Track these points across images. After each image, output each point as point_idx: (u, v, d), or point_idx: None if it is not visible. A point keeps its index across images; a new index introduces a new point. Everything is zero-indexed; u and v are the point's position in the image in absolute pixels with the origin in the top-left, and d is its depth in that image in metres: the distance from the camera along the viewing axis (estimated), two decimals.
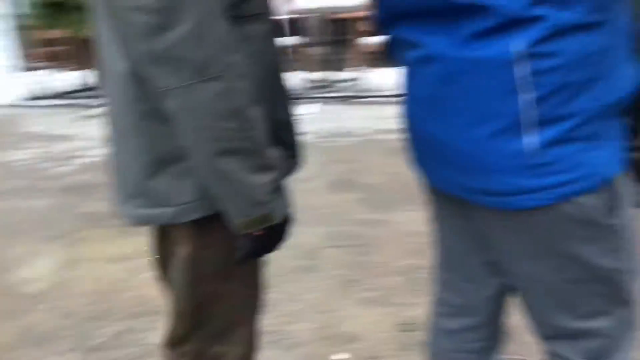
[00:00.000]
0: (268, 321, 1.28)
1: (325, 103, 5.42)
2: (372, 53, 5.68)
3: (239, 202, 0.93)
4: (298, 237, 1.23)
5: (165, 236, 1.11)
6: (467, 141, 0.95)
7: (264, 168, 0.92)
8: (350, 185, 3.53)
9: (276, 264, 1.32)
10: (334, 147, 4.28)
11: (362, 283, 2.42)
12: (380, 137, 4.46)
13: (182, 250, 1.04)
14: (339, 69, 5.83)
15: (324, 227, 2.92)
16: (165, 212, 0.99)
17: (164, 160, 0.97)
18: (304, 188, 3.11)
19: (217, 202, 0.95)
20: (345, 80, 5.86)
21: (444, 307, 1.26)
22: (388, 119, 4.52)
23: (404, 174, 3.11)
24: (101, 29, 0.98)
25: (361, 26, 5.56)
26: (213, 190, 0.93)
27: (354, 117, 5.00)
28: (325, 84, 5.77)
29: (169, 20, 0.83)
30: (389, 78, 5.16)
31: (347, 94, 5.61)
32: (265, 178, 0.92)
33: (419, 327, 1.75)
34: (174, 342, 1.13)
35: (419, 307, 1.90)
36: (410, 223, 2.84)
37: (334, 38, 5.81)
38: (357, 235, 2.85)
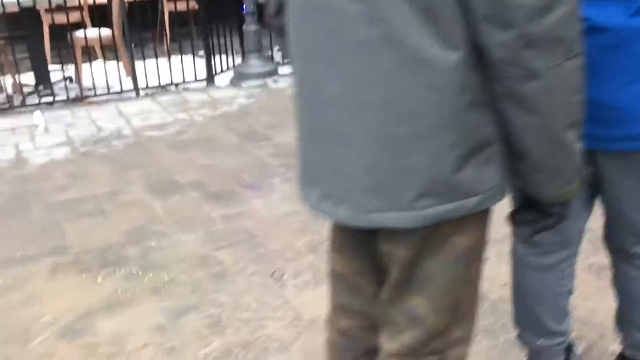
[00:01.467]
0: None
1: (45, 110, 4.82)
2: (85, 47, 5.22)
3: (568, 171, 1.03)
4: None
5: (389, 238, 1.11)
6: (622, 98, 1.26)
7: (581, 137, 1.03)
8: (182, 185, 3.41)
9: None
10: (117, 152, 3.95)
11: None
12: (153, 134, 4.29)
13: (462, 241, 1.09)
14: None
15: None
16: (464, 204, 1.01)
17: (473, 150, 0.99)
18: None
19: (527, 179, 1.04)
20: (59, 81, 5.24)
21: (536, 248, 1.56)
22: (135, 116, 4.41)
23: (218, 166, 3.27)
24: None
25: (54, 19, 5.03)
26: (551, 163, 1.01)
27: (100, 119, 4.62)
28: (35, 88, 5.07)
29: (553, 1, 0.88)
30: (103, 74, 4.95)
31: (68, 96, 5.04)
32: (581, 146, 1.04)
33: None
34: (422, 344, 1.17)
35: None
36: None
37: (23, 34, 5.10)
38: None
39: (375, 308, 1.26)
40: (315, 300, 2.33)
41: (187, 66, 5.38)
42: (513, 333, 1.79)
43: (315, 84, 1.08)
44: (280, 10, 1.21)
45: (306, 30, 1.06)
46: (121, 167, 3.73)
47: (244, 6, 5.48)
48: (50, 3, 4.85)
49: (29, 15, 4.97)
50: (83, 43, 5.16)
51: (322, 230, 2.83)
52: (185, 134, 4.31)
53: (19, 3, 4.74)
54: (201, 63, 5.51)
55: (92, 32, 5.07)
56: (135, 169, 3.68)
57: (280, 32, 1.26)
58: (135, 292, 2.43)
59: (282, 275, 2.52)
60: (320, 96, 1.06)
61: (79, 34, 5.19)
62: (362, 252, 1.22)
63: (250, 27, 5.48)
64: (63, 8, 4.98)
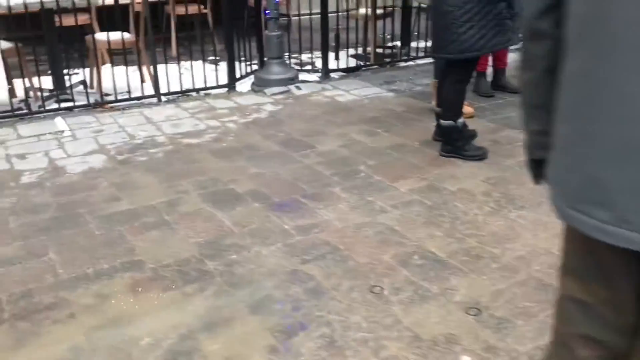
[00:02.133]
0: None
1: (64, 116, 4.61)
2: (109, 51, 5.01)
3: None
4: None
5: None
6: None
7: None
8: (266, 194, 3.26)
9: None
10: (158, 160, 3.78)
11: None
12: (190, 141, 4.14)
13: None
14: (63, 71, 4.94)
15: None
16: None
17: None
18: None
19: None
20: (77, 85, 5.03)
21: None
22: (164, 123, 4.26)
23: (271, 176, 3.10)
24: None
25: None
26: None
27: (128, 126, 4.43)
28: (54, 92, 4.85)
29: None
30: (124, 78, 4.78)
31: (90, 100, 4.84)
32: None
33: None
34: None
35: None
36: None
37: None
38: None
39: (624, 340, 1.19)
40: (426, 318, 2.25)
41: (208, 72, 5.22)
42: None
43: None
44: (547, 11, 1.12)
45: None
46: (167, 176, 3.57)
47: (267, 11, 5.36)
48: (58, 4, 4.61)
49: (46, 17, 4.75)
50: (105, 46, 4.94)
51: (406, 243, 2.76)
52: (223, 141, 4.16)
53: (37, 4, 4.50)
54: (221, 69, 5.37)
55: (114, 35, 4.85)
56: (184, 178, 3.53)
57: (533, 36, 1.17)
58: (234, 310, 2.30)
59: (383, 290, 2.41)
60: None
61: (101, 36, 4.98)
62: (632, 280, 1.14)
63: (272, 32, 5.37)
64: (71, 10, 4.76)
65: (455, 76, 3.70)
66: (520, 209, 3.10)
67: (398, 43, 6.54)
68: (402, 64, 6.21)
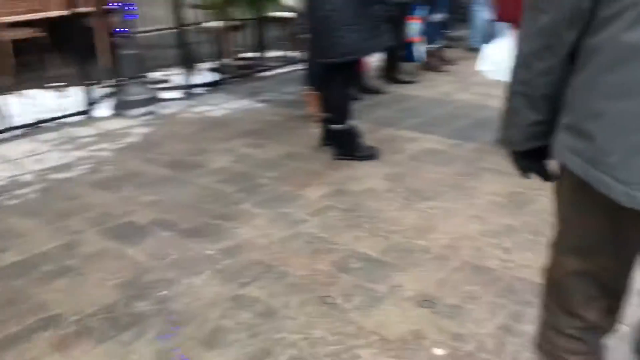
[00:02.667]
0: None
1: None
2: None
3: None
4: None
5: None
6: None
7: None
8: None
9: None
10: (32, 201, 3.35)
11: None
12: (61, 176, 3.74)
13: None
14: None
15: None
16: None
17: None
18: None
19: None
20: None
21: None
22: (25, 159, 3.85)
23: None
24: None
25: None
26: None
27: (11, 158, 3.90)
28: None
29: None
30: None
31: None
32: None
33: None
34: None
35: None
36: None
37: None
38: None
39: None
40: (386, 319, 2.24)
41: (59, 99, 4.77)
42: None
43: None
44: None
45: None
46: (50, 217, 3.17)
47: (122, 29, 5.01)
48: None
49: None
50: None
51: (338, 249, 2.73)
52: (100, 172, 3.80)
53: None
54: (73, 94, 4.93)
55: None
56: (71, 217, 3.16)
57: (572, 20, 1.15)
58: (187, 349, 2.09)
59: (335, 299, 2.36)
60: None
61: None
62: None
63: (127, 50, 5.04)
64: None
65: (339, 80, 3.75)
66: (427, 199, 3.22)
67: (253, 54, 6.50)
68: (262, 74, 6.18)
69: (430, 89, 5.56)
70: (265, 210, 3.17)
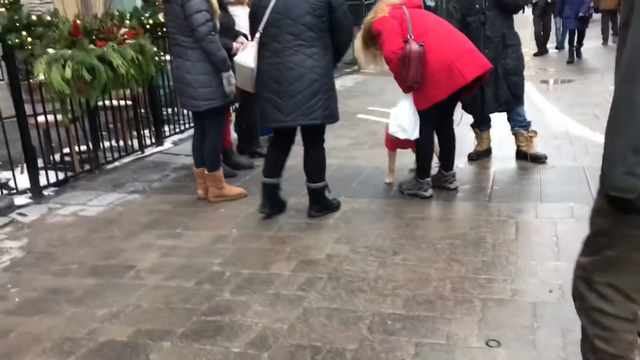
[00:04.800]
0: None
1: None
2: None
3: None
4: None
5: None
6: None
7: None
8: None
9: None
10: None
11: None
12: None
13: None
14: None
15: None
16: None
17: None
18: None
19: None
20: None
21: None
22: None
23: None
24: None
25: None
26: None
27: None
28: None
29: None
30: None
31: None
32: None
33: None
34: None
35: None
36: None
37: None
38: None
39: None
40: None
41: None
42: None
43: None
44: None
45: None
46: None
47: None
48: None
49: None
50: None
51: (364, 315, 2.74)
52: (8, 299, 3.12)
53: None
54: None
55: None
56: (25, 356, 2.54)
57: None
58: None
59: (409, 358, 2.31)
60: None
61: None
62: None
63: None
64: None
65: (319, 141, 3.93)
66: (395, 254, 3.33)
67: (90, 146, 5.93)
68: (109, 166, 5.68)
69: (292, 158, 5.71)
70: (252, 295, 2.95)
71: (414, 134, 4.07)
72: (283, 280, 3.11)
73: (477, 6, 4.67)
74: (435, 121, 4.15)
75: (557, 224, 3.57)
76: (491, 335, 2.45)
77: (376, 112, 7.53)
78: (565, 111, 6.77)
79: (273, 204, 4.03)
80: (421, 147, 4.18)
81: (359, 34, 4.32)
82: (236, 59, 3.98)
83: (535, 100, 7.34)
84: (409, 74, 3.86)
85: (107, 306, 2.95)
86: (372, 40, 4.18)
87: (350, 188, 4.56)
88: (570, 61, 10.96)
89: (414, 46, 3.83)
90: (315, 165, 3.98)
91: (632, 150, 1.35)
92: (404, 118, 4.06)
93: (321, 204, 4.01)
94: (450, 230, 3.63)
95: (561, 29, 12.25)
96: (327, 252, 3.42)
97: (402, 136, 4.10)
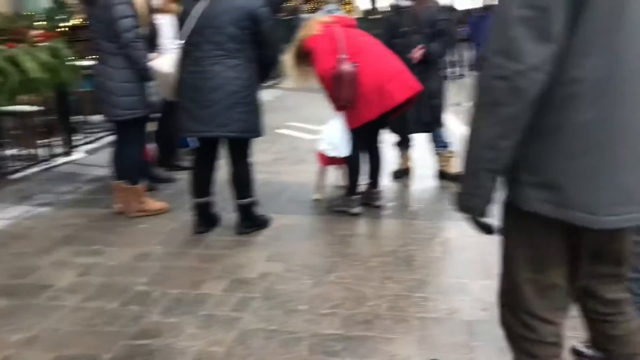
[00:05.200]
0: None
1: None
2: None
3: None
4: None
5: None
6: None
7: None
8: None
9: None
10: None
11: None
12: None
13: None
14: None
15: None
16: None
17: None
18: None
19: None
20: None
21: None
22: None
23: None
24: None
25: None
26: None
27: None
28: None
29: None
30: None
31: None
32: None
33: None
34: None
35: None
36: None
37: None
38: None
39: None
40: None
41: None
42: None
43: None
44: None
45: None
46: None
47: None
48: None
49: None
50: None
51: (303, 337, 2.67)
52: None
53: None
54: None
55: None
56: None
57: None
58: None
59: None
60: None
61: None
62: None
63: None
64: None
65: (244, 155, 3.82)
66: (329, 272, 3.30)
67: None
68: (13, 176, 5.27)
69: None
70: (184, 317, 2.81)
71: (344, 151, 4.08)
72: (215, 301, 2.98)
73: (404, 29, 4.79)
74: (364, 140, 4.18)
75: (481, 242, 3.67)
76: (432, 355, 2.46)
77: (296, 127, 7.53)
78: None
79: (208, 222, 3.90)
80: (351, 165, 4.19)
81: (290, 49, 4.29)
82: (153, 64, 3.84)
83: (449, 122, 7.61)
84: (342, 93, 3.87)
85: (22, 330, 2.70)
86: (304, 57, 4.16)
87: (278, 204, 4.49)
88: None
89: (347, 67, 3.84)
90: (242, 180, 3.88)
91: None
92: (335, 136, 4.06)
93: (250, 221, 3.92)
94: (380, 247, 3.65)
95: (475, 53, 12.78)
96: (260, 271, 3.33)
97: (332, 154, 4.10)
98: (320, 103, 4.46)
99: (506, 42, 1.38)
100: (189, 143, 5.89)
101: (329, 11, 15.48)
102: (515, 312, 1.69)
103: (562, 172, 1.46)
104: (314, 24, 4.15)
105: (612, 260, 1.72)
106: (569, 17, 1.37)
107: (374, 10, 16.09)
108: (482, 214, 1.56)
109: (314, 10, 23.08)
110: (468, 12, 12.52)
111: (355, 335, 2.64)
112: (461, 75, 12.96)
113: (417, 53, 4.66)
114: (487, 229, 1.63)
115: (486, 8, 11.33)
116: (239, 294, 3.06)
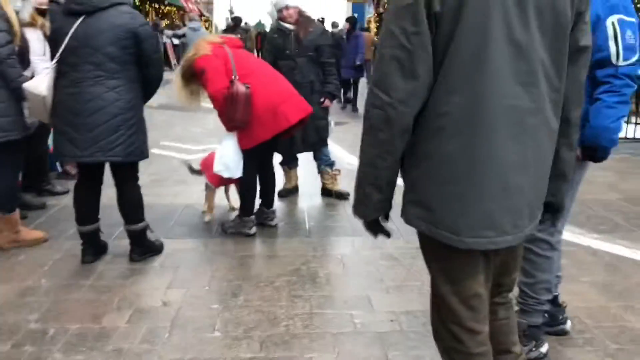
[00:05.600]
0: None
1: None
2: None
3: None
4: None
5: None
6: None
7: None
8: None
9: None
10: None
11: None
12: None
13: None
14: None
15: None
16: None
17: None
18: None
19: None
20: None
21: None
22: None
23: None
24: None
25: None
26: None
27: None
28: None
29: None
30: None
31: None
32: None
33: None
34: None
35: None
36: None
37: None
38: None
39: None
40: None
41: None
42: None
43: None
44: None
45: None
46: None
47: None
48: None
49: None
50: None
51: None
52: None
53: None
54: None
55: None
56: None
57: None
58: None
59: None
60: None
61: None
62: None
63: None
64: None
65: (131, 178, 3.67)
66: (236, 296, 3.26)
67: None
68: None
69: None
70: (90, 354, 2.63)
71: (237, 172, 4.06)
72: (121, 334, 2.82)
73: (288, 52, 4.89)
74: (258, 160, 4.19)
75: (375, 256, 3.85)
76: None
77: (170, 147, 7.33)
78: (351, 150, 7.35)
79: (96, 250, 3.67)
80: (245, 186, 4.18)
81: (178, 69, 4.20)
82: (26, 85, 3.54)
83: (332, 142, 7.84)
84: (237, 114, 3.86)
85: None
86: (192, 77, 4.09)
87: (167, 228, 4.34)
88: (343, 107, 11.97)
89: (240, 88, 3.84)
90: (131, 204, 3.70)
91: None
92: (228, 157, 4.03)
93: (143, 247, 3.75)
94: (283, 267, 3.66)
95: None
96: (163, 299, 3.20)
97: (226, 175, 4.06)
98: (190, 122, 4.44)
99: (382, 76, 1.57)
100: (57, 167, 5.56)
101: (193, 29, 15.44)
102: (446, 324, 1.77)
103: (433, 195, 1.63)
104: (203, 44, 4.10)
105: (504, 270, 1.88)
106: (435, 60, 1.55)
107: (232, 28, 16.09)
108: (375, 221, 1.74)
109: (171, 27, 22.67)
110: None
111: (277, 356, 2.64)
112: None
113: (327, 103, 5.04)
114: (381, 233, 1.79)
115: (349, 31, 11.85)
116: (145, 324, 2.92)
